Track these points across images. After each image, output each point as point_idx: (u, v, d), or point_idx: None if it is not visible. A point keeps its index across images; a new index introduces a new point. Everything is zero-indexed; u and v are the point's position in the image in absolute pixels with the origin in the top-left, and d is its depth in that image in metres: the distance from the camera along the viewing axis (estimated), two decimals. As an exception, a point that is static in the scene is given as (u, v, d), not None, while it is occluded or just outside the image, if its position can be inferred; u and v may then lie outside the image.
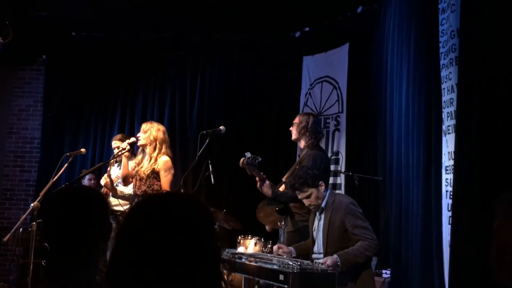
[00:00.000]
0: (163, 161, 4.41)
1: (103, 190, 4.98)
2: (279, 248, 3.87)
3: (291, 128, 4.49)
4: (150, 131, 4.47)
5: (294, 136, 4.46)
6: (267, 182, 4.19)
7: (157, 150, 4.44)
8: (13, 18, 5.69)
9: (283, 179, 4.42)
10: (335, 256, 3.45)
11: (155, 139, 4.44)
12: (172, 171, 4.46)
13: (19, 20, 5.95)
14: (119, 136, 5.60)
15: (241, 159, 4.16)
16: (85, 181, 5.93)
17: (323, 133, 5.06)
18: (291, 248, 3.92)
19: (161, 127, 4.57)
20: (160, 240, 1.05)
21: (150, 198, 1.15)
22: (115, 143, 5.30)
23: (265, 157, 4.97)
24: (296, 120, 4.45)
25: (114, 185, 4.83)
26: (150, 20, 6.61)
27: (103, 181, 4.71)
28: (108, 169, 4.77)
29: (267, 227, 5.21)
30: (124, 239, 1.10)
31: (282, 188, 4.36)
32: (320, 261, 3.49)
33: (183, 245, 1.06)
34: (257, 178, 4.19)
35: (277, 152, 6.45)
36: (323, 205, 3.72)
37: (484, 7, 3.18)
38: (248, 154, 4.14)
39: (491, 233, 1.51)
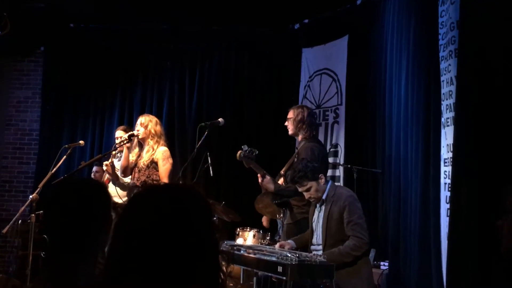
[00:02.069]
0: (161, 151, 4.47)
1: (104, 178, 4.98)
2: (281, 246, 3.88)
3: (286, 123, 4.44)
4: (150, 125, 4.54)
5: (291, 131, 4.41)
6: (268, 177, 4.17)
7: (157, 143, 4.51)
8: (11, 9, 5.66)
9: (281, 172, 4.42)
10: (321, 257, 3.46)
11: (156, 133, 4.52)
12: (171, 161, 4.51)
13: (17, 12, 5.92)
14: (122, 126, 5.58)
15: (238, 152, 4.15)
16: (93, 172, 5.94)
17: (319, 124, 5.04)
18: (291, 242, 3.93)
19: (158, 120, 4.67)
20: (158, 232, 1.05)
21: (148, 190, 1.15)
22: (118, 133, 5.30)
23: (264, 149, 4.97)
24: (291, 115, 4.40)
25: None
26: (148, 12, 6.58)
27: (105, 167, 4.71)
28: (109, 160, 4.76)
29: (264, 223, 5.22)
30: (122, 230, 1.10)
31: (280, 181, 4.36)
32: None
33: (182, 236, 1.06)
34: (259, 175, 4.18)
35: (275, 144, 6.44)
36: (324, 197, 3.72)
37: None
38: (245, 147, 4.13)
39: (504, 212, 1.51)
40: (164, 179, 4.40)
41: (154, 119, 4.63)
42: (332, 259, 3.45)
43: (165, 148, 4.52)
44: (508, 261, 1.46)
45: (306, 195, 3.75)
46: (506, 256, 1.46)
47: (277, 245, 3.95)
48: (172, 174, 4.55)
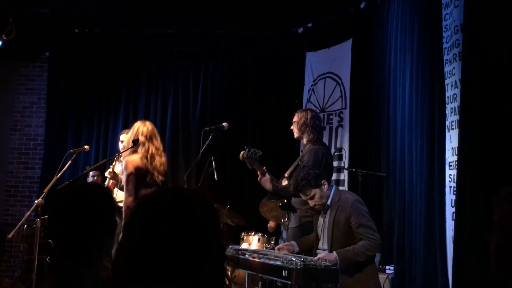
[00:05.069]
0: (124, 162, 4.20)
1: (109, 183, 4.99)
2: (279, 249, 3.88)
3: (291, 127, 4.48)
4: (130, 133, 4.34)
5: (295, 134, 4.45)
6: (268, 176, 4.19)
7: (128, 154, 4.24)
8: (16, 15, 5.70)
9: (286, 175, 4.43)
10: (334, 253, 3.45)
11: (129, 140, 4.27)
12: (128, 171, 4.10)
13: (22, 17, 5.96)
14: (127, 130, 5.58)
15: (241, 153, 4.17)
16: (89, 178, 5.94)
17: (324, 126, 5.05)
18: (293, 242, 3.92)
19: (141, 126, 4.30)
20: (167, 236, 1.06)
21: (157, 194, 1.16)
22: (123, 137, 5.31)
23: (268, 152, 4.98)
24: (295, 118, 4.44)
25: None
26: (152, 16, 6.61)
27: (107, 174, 4.72)
28: (113, 164, 4.77)
29: (269, 227, 5.22)
30: (130, 233, 1.11)
31: (285, 183, 4.37)
32: (319, 255, 3.49)
33: (190, 241, 1.06)
34: (258, 172, 4.20)
35: (279, 147, 6.45)
36: (328, 202, 3.70)
37: (488, 2, 3.17)
38: (248, 148, 4.15)
39: (491, 228, 1.49)
40: (124, 192, 4.11)
41: (136, 125, 4.35)
42: (346, 256, 3.45)
43: (128, 159, 4.16)
44: (496, 279, 1.44)
45: (311, 202, 3.73)
46: (494, 274, 1.44)
47: (276, 248, 3.95)
48: (136, 187, 4.11)
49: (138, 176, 4.14)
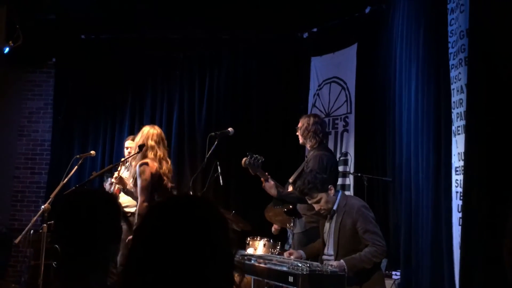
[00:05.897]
0: (137, 167, 4.21)
1: (115, 188, 5.01)
2: (290, 254, 3.88)
3: (297, 133, 4.49)
4: (137, 138, 4.37)
5: (300, 140, 4.47)
6: (271, 182, 4.19)
7: (136, 159, 4.27)
8: (23, 21, 5.75)
9: (290, 180, 4.42)
10: (342, 261, 3.44)
11: (135, 146, 4.32)
12: (144, 176, 4.14)
13: (29, 24, 6.01)
14: (131, 136, 5.59)
15: (243, 159, 4.17)
16: (107, 185, 5.95)
17: (328, 132, 5.04)
18: (301, 252, 3.92)
19: (151, 130, 4.33)
20: (174, 243, 1.06)
21: (167, 200, 1.17)
22: (128, 143, 5.33)
23: (272, 158, 4.97)
24: (299, 124, 4.45)
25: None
26: (157, 22, 6.64)
27: (113, 179, 4.74)
28: (118, 169, 4.79)
29: (272, 230, 5.21)
30: (139, 240, 1.11)
31: (290, 189, 4.36)
32: (329, 263, 3.48)
33: (198, 248, 1.07)
34: (262, 178, 4.20)
35: (285, 153, 6.44)
36: (334, 207, 3.69)
37: (493, 7, 3.17)
38: (250, 154, 4.15)
39: (506, 231, 1.47)
40: (140, 197, 4.13)
41: (145, 129, 4.38)
42: (353, 263, 3.44)
43: (141, 162, 4.19)
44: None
45: (316, 207, 3.72)
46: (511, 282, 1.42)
47: (285, 253, 3.94)
48: (149, 190, 4.16)
49: (154, 182, 4.18)
